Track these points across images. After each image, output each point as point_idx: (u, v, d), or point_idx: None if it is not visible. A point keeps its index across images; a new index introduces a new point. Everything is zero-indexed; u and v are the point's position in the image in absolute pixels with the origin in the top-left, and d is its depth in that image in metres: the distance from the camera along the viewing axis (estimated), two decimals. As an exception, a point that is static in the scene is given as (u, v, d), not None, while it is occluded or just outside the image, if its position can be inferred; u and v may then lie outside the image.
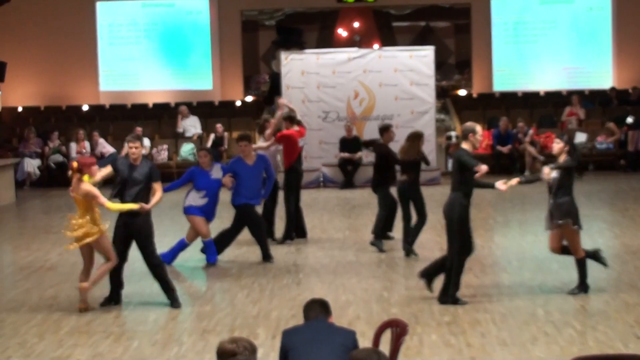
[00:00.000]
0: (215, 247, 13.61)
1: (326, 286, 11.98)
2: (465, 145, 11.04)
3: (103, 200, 10.94)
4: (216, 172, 13.58)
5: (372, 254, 13.98)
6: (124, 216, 11.15)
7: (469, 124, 11.39)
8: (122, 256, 11.26)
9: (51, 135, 24.76)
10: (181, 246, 13.66)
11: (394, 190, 14.27)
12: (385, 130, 14.47)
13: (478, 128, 11.16)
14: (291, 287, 12.00)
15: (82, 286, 11.00)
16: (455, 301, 10.80)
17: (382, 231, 14.50)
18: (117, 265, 11.23)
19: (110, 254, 11.04)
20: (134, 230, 11.09)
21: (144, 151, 23.03)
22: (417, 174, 13.99)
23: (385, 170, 14.32)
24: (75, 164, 11.09)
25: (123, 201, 11.10)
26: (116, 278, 11.32)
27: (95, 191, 10.94)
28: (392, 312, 10.53)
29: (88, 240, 10.93)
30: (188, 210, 13.51)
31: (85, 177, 11.03)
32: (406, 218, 14.03)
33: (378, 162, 14.40)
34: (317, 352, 6.28)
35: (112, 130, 26.12)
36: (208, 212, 13.59)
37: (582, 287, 11.09)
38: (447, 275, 10.96)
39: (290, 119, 15.26)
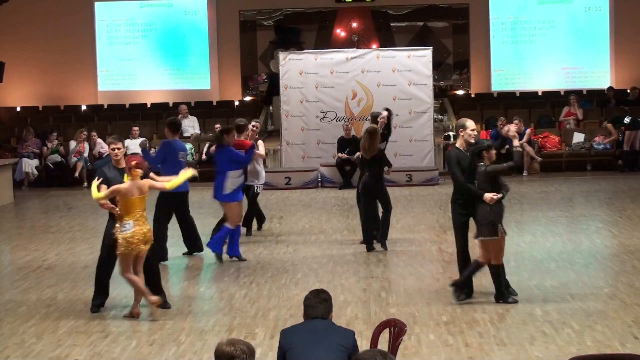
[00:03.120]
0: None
1: (324, 286, 11.91)
2: (458, 143, 11.06)
3: (160, 184, 10.91)
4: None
5: (371, 254, 13.98)
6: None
7: (459, 120, 11.41)
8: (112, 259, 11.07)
9: (49, 136, 24.73)
10: (227, 233, 13.67)
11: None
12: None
13: (468, 123, 11.11)
14: (289, 287, 12.00)
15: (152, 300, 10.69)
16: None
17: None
18: (108, 270, 11.11)
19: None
20: None
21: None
22: (380, 170, 14.07)
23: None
24: (133, 163, 10.39)
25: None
26: (105, 283, 11.19)
27: (153, 182, 10.78)
28: (391, 312, 10.54)
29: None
30: (229, 197, 13.51)
31: (126, 178, 10.57)
32: (371, 214, 14.22)
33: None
34: (315, 352, 6.28)
35: (111, 130, 26.07)
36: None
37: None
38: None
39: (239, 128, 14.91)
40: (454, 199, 11.28)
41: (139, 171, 10.41)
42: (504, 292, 10.83)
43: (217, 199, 13.71)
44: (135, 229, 10.31)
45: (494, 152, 10.85)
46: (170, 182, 10.98)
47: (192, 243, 14.34)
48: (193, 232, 14.34)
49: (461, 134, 11.09)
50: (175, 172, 11.66)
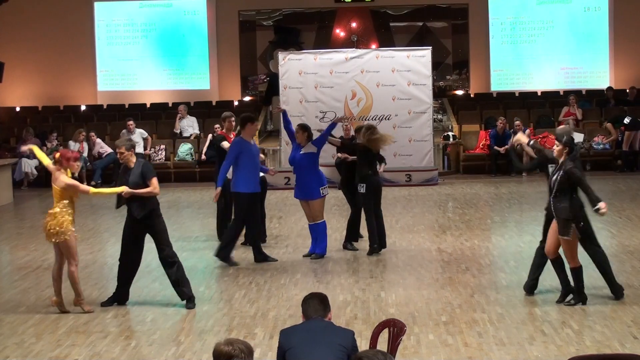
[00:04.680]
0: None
1: (323, 286, 11.99)
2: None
3: (84, 188, 11.05)
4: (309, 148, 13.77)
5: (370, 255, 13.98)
6: (134, 220, 11.07)
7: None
8: (134, 257, 11.24)
9: (49, 136, 24.73)
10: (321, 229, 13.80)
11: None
12: (359, 131, 14.68)
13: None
14: (289, 287, 12.01)
15: (55, 300, 11.03)
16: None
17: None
18: (129, 267, 11.24)
19: (75, 258, 11.00)
20: (147, 227, 11.05)
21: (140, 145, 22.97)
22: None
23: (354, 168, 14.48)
24: (57, 155, 11.06)
25: (128, 207, 11.11)
26: (126, 279, 11.30)
27: (73, 182, 10.92)
28: (390, 312, 10.54)
29: (56, 240, 10.91)
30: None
31: (68, 172, 11.00)
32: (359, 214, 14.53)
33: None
34: (315, 352, 6.28)
35: (110, 130, 26.11)
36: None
37: (579, 296, 10.90)
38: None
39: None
40: None
41: (58, 165, 10.92)
42: (582, 293, 10.82)
43: (313, 198, 13.71)
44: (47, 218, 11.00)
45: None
46: (93, 189, 11.26)
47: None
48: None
49: None
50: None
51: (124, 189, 10.90)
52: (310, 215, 13.75)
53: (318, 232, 13.78)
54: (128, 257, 11.24)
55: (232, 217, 14.02)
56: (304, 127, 13.96)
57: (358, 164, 14.13)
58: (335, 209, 18.61)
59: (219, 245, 13.76)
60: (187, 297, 11.09)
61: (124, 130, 24.37)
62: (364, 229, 14.51)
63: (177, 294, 11.14)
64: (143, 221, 11.02)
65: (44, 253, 14.81)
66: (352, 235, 14.59)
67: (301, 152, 13.67)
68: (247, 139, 13.50)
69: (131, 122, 24.36)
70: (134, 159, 11.09)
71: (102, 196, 11.04)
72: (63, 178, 10.87)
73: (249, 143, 13.51)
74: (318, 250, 13.78)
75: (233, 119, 15.24)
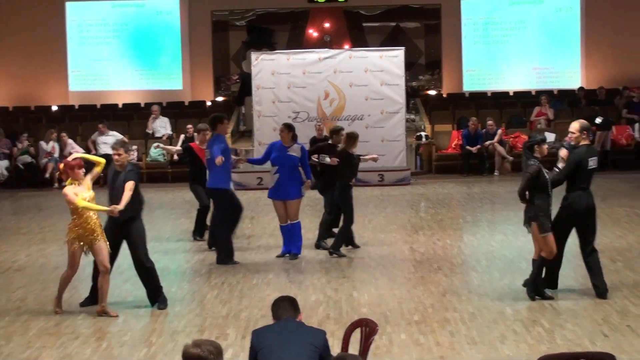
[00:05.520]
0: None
1: (296, 286, 11.99)
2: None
3: (71, 198, 10.61)
4: (294, 150, 13.71)
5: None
6: (113, 219, 10.98)
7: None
8: (111, 259, 11.15)
9: (20, 136, 24.60)
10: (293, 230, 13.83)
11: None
12: (335, 133, 14.69)
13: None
14: (261, 287, 11.99)
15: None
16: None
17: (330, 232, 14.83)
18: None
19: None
20: (126, 232, 10.96)
21: (134, 154, 22.84)
22: None
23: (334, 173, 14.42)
24: (61, 166, 10.92)
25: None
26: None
27: (68, 194, 10.63)
28: (362, 311, 10.54)
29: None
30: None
31: (68, 182, 10.72)
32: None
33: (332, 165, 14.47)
34: (287, 352, 6.28)
35: (82, 130, 25.98)
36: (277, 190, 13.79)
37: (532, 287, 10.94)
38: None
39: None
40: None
41: (77, 173, 10.72)
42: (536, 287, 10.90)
43: (291, 198, 13.73)
44: None
45: (545, 146, 11.19)
46: (80, 201, 10.65)
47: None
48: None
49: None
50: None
51: (113, 208, 10.73)
52: (285, 215, 13.75)
53: (294, 232, 13.78)
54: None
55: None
56: (289, 127, 13.95)
57: (340, 168, 14.06)
58: (308, 209, 18.59)
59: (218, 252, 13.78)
60: (157, 301, 11.06)
61: (96, 133, 24.29)
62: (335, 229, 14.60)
63: (148, 298, 11.11)
64: (125, 224, 10.94)
65: (14, 254, 14.74)
66: (325, 234, 14.60)
67: (287, 153, 13.65)
68: None
69: (101, 125, 24.26)
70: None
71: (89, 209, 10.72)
72: (65, 189, 10.69)
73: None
74: (294, 249, 13.78)
75: (208, 132, 15.18)
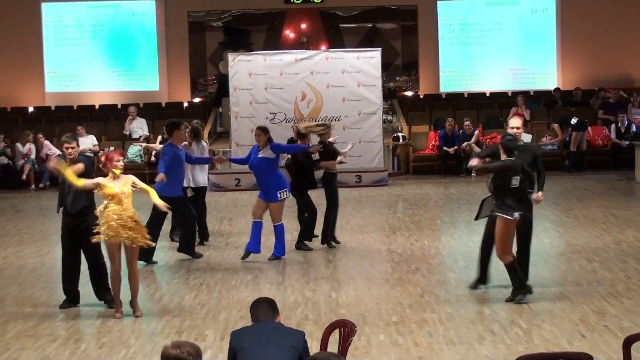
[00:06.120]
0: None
1: (274, 287, 11.99)
2: None
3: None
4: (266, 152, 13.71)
5: (320, 256, 14.03)
6: (69, 217, 11.03)
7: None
8: (76, 257, 11.18)
9: (-4, 137, 24.48)
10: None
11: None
12: (301, 138, 14.93)
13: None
14: (239, 289, 11.99)
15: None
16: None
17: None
18: (75, 268, 11.21)
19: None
20: (82, 230, 10.94)
21: (90, 148, 22.94)
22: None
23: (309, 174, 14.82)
24: (103, 158, 11.05)
25: (63, 204, 11.05)
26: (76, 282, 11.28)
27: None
28: (340, 312, 10.56)
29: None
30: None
31: (109, 176, 10.91)
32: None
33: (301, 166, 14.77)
34: (265, 353, 6.28)
35: (58, 132, 25.84)
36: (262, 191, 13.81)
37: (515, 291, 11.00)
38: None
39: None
40: None
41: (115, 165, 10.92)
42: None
43: (270, 201, 13.72)
44: None
45: None
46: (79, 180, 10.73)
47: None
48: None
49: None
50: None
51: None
52: (260, 214, 13.77)
53: (275, 234, 13.79)
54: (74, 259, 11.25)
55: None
56: (264, 130, 13.95)
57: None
58: (286, 210, 18.57)
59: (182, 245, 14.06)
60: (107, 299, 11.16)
61: (69, 133, 24.18)
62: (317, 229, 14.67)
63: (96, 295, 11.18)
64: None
65: (-9, 256, 14.67)
66: (306, 235, 14.64)
67: (258, 156, 13.65)
68: (176, 144, 13.66)
69: (80, 127, 24.20)
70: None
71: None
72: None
73: (178, 148, 13.67)
74: (276, 252, 13.78)
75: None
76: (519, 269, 10.92)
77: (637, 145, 21.58)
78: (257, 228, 13.75)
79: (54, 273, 13.36)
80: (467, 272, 12.47)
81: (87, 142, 23.90)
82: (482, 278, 11.59)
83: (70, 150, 11.04)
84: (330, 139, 15.07)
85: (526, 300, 10.78)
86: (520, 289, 10.87)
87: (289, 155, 15.11)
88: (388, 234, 15.79)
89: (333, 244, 14.64)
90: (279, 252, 13.79)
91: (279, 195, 13.61)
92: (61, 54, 28.51)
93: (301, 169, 14.58)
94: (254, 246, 13.74)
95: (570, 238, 14.86)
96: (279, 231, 13.77)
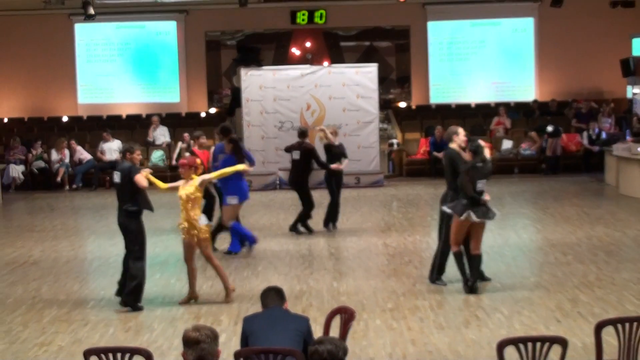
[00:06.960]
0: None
1: (282, 277, 11.98)
2: (453, 146, 11.21)
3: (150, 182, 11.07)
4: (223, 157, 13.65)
5: (324, 249, 14.00)
6: (119, 215, 10.93)
7: (451, 127, 11.58)
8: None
9: (34, 144, 24.51)
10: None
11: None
12: (302, 135, 15.53)
13: (459, 130, 11.30)
14: (251, 279, 11.97)
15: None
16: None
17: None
18: None
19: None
20: (124, 228, 10.84)
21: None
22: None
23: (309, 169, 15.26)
24: (198, 161, 11.16)
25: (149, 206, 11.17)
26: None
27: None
28: (341, 300, 10.55)
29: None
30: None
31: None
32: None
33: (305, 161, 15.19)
34: (274, 337, 6.28)
35: (89, 139, 25.89)
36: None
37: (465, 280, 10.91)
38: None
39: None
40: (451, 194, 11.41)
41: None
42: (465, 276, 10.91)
43: (224, 204, 13.66)
44: None
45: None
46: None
47: None
48: None
49: (455, 139, 11.20)
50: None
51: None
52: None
53: (231, 234, 13.78)
54: None
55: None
56: (223, 131, 13.93)
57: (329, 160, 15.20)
58: (293, 209, 18.56)
59: None
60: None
61: (101, 141, 24.33)
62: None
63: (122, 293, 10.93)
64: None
65: (29, 250, 14.67)
66: (301, 221, 15.22)
67: (217, 161, 13.61)
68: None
69: (105, 134, 24.31)
70: None
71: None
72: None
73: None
74: (230, 247, 13.80)
75: (203, 138, 15.06)
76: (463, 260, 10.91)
77: (607, 151, 21.52)
78: (233, 229, 13.69)
79: (85, 265, 13.39)
80: (454, 263, 12.40)
81: (113, 146, 23.96)
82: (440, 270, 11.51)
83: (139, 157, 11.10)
84: (336, 143, 15.35)
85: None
86: (463, 276, 10.85)
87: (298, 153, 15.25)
88: (384, 230, 15.77)
89: (331, 227, 15.32)
90: (232, 248, 13.77)
91: (228, 200, 13.54)
92: (92, 69, 28.48)
93: (306, 167, 14.86)
94: (234, 246, 13.78)
95: (547, 234, 14.83)
96: (235, 229, 13.69)
